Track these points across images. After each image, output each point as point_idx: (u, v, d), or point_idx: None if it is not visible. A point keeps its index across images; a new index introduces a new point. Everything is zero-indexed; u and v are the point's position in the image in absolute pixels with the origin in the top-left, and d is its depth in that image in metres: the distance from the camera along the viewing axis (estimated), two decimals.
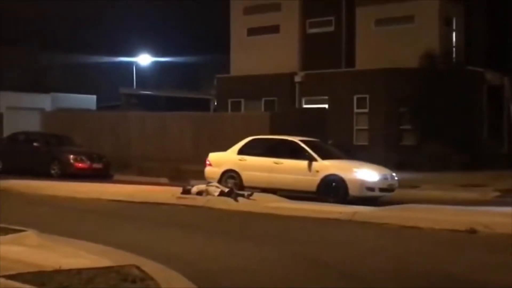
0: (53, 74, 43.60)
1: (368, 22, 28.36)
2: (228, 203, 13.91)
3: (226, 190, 14.84)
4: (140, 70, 47.08)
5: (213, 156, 17.13)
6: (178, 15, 49.30)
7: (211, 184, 15.37)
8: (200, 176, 19.40)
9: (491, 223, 10.81)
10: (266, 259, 8.37)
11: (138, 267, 6.79)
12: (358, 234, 10.75)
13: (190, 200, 14.45)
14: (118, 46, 46.00)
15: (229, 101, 30.71)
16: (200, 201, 14.29)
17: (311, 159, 15.31)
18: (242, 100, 30.33)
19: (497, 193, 16.90)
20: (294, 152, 15.81)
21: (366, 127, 27.16)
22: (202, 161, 22.97)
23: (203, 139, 24.33)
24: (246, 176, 16.08)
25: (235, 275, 7.31)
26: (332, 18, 29.51)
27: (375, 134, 26.44)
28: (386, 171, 15.49)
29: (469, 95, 25.43)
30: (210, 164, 16.98)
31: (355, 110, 27.46)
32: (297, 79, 29.07)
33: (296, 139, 16.31)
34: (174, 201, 14.46)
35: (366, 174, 14.96)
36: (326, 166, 15.17)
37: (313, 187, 15.07)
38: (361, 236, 10.57)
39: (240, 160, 16.37)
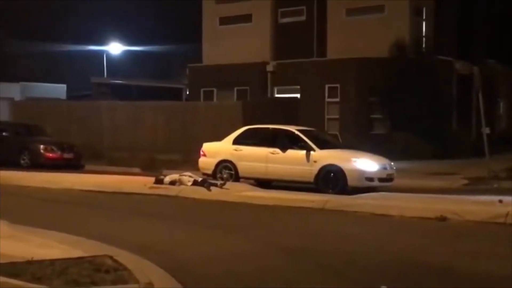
0: (22, 63, 42.95)
1: (339, 12, 28.39)
2: (201, 193, 13.90)
3: (200, 179, 14.83)
4: (111, 59, 46.60)
5: (207, 146, 16.60)
6: (150, 3, 48.88)
7: (184, 174, 15.31)
8: (173, 165, 19.37)
9: (460, 211, 10.99)
10: (239, 248, 8.40)
11: (111, 257, 6.76)
12: (330, 223, 10.84)
13: (163, 190, 14.39)
14: (89, 34, 45.45)
15: (202, 90, 30.59)
16: (173, 190, 14.25)
17: (308, 149, 14.89)
18: (215, 90, 30.24)
19: (465, 181, 17.14)
20: (291, 141, 15.37)
21: (337, 116, 27.29)
22: (175, 151, 23.01)
23: (175, 128, 24.26)
24: (242, 167, 15.66)
25: (209, 264, 7.33)
26: (303, 7, 29.50)
27: (346, 123, 26.58)
28: (385, 161, 15.14)
29: (438, 84, 25.68)
30: (204, 155, 16.45)
31: (327, 99, 27.57)
32: (269, 68, 29.07)
33: (292, 128, 15.97)
34: (146, 191, 14.40)
35: (365, 164, 14.60)
36: (324, 156, 14.76)
37: (311, 177, 14.66)
38: (332, 225, 10.65)
39: (236, 150, 15.85)
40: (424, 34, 28.42)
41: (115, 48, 46.51)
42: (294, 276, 6.92)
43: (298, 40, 29.15)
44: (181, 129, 24.11)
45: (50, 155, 21.94)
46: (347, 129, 26.08)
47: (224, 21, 31.12)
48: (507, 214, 10.49)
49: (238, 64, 28.82)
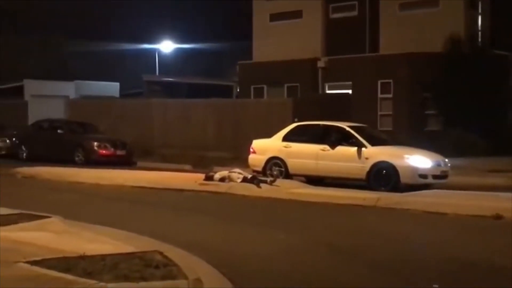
0: (77, 62, 43.92)
1: (392, 6, 28.08)
2: (251, 190, 13.89)
3: (249, 176, 14.84)
4: (162, 57, 47.18)
5: (257, 143, 16.62)
6: (201, 2, 49.25)
7: (233, 170, 15.36)
8: (222, 163, 19.46)
9: None
10: (288, 245, 8.36)
11: (161, 253, 6.82)
12: (381, 220, 10.69)
13: (212, 186, 14.47)
14: (141, 33, 46.18)
15: (252, 87, 30.66)
16: (223, 187, 14.30)
17: (360, 146, 14.71)
18: (265, 86, 30.26)
19: None
20: (342, 138, 15.20)
21: (390, 113, 26.95)
22: (225, 148, 23.12)
23: (226, 126, 24.36)
24: (292, 164, 15.60)
25: (257, 261, 7.32)
26: (355, 2, 29.26)
27: (399, 119, 26.23)
28: (439, 157, 14.84)
29: (494, 79, 25.08)
30: (254, 152, 16.49)
31: (379, 95, 27.25)
32: (320, 64, 28.90)
33: (343, 124, 15.79)
34: (197, 187, 14.50)
35: (418, 160, 14.33)
36: (376, 153, 14.56)
37: (362, 174, 14.50)
38: (384, 222, 10.50)
39: (285, 147, 15.83)
40: (479, 28, 27.81)
41: (166, 46, 47.06)
42: (343, 275, 6.85)
43: (350, 35, 28.92)
44: (231, 127, 24.19)
45: (103, 152, 22.37)
46: (400, 125, 25.75)
47: (274, 17, 31.12)
48: None
49: (288, 61, 28.78)
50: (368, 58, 28.07)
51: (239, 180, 14.64)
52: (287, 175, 15.63)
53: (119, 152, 22.64)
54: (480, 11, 28.10)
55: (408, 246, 8.43)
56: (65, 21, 43.87)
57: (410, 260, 7.53)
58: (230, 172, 15.18)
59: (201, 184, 14.76)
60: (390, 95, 27.00)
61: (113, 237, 7.89)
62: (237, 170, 15.45)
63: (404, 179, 14.15)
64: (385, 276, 6.82)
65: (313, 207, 12.10)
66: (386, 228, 9.94)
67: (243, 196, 13.49)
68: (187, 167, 20.59)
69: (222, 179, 14.84)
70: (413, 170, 14.25)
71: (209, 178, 15.06)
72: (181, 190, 14.32)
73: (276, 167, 15.84)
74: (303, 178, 15.88)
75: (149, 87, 36.40)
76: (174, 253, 6.90)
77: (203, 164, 20.01)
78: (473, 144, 22.79)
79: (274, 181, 14.58)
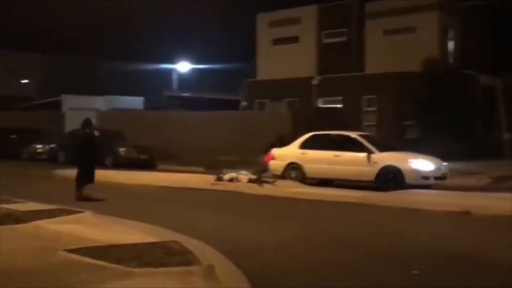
0: (107, 79, 44.03)
1: (376, 33, 28.09)
2: (255, 188, 13.92)
3: (254, 177, 14.84)
4: (181, 75, 47.31)
5: (276, 151, 16.44)
6: (212, 28, 49.40)
7: (240, 172, 15.36)
8: (231, 165, 19.43)
9: (484, 206, 10.65)
10: (292, 235, 8.32)
11: (179, 243, 6.81)
12: (368, 215, 10.66)
13: (222, 186, 14.48)
14: (162, 55, 46.32)
15: (256, 101, 30.68)
16: (231, 186, 14.33)
17: (369, 152, 14.67)
18: (267, 101, 30.28)
19: (490, 180, 16.59)
20: (353, 145, 15.08)
21: (374, 123, 26.90)
22: (233, 152, 23.07)
23: (234, 134, 24.39)
24: (308, 168, 15.49)
25: (265, 248, 7.29)
26: (345, 29, 29.30)
27: (382, 129, 26.17)
28: (438, 162, 14.76)
29: (464, 96, 25.08)
30: (273, 158, 16.29)
31: (365, 108, 27.22)
32: (314, 82, 28.93)
33: (353, 133, 15.71)
34: (209, 186, 14.52)
35: (421, 164, 14.29)
36: (384, 158, 14.49)
37: (371, 177, 14.43)
38: (370, 217, 10.48)
39: (302, 154, 15.68)
40: (451, 51, 27.82)
41: (183, 66, 47.23)
42: (343, 258, 6.83)
43: (340, 57, 28.94)
44: (239, 135, 24.21)
45: (129, 156, 22.34)
46: (383, 134, 25.66)
47: (276, 42, 31.19)
48: None
49: (287, 79, 28.81)
50: (355, 77, 28.06)
51: (245, 181, 14.66)
52: (304, 178, 15.44)
53: (142, 156, 22.62)
54: (452, 36, 28.14)
55: (392, 237, 8.40)
56: (98, 43, 44.03)
57: (394, 247, 7.50)
58: (237, 173, 15.20)
59: (213, 184, 14.78)
60: (374, 108, 26.96)
61: (139, 229, 7.89)
62: (244, 172, 15.46)
63: (409, 180, 14.06)
64: (374, 259, 6.80)
65: (308, 204, 12.08)
66: (372, 222, 9.91)
67: (248, 194, 13.50)
68: (201, 169, 20.56)
69: (230, 180, 14.88)
70: (417, 172, 14.17)
71: (219, 178, 15.09)
72: (196, 189, 14.32)
73: (294, 171, 15.69)
74: (315, 181, 15.72)
75: (169, 101, 36.46)
76: (190, 243, 6.90)
77: (214, 166, 19.93)
78: (446, 150, 22.70)
79: (274, 182, 14.57)
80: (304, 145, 15.93)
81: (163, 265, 5.78)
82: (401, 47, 26.85)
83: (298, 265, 6.57)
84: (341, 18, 29.30)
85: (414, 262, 6.75)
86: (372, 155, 14.62)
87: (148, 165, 21.86)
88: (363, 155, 14.71)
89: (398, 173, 14.14)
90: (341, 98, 27.78)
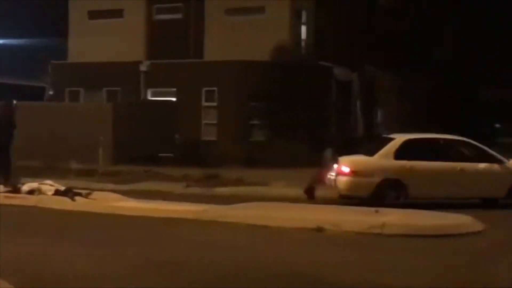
0: None
1: (217, 11, 28.52)
2: (64, 203, 13.55)
3: (62, 188, 14.44)
4: None
5: (357, 163, 14.67)
6: None
7: (44, 182, 14.84)
8: (34, 173, 18.63)
9: (338, 222, 11.38)
10: (103, 262, 8.23)
11: None
12: (203, 234, 10.87)
13: (19, 199, 13.91)
14: None
15: (67, 90, 29.70)
16: (32, 200, 13.81)
17: (498, 161, 14.59)
18: (81, 90, 29.47)
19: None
20: (476, 154, 14.74)
21: (214, 122, 27.38)
22: (38, 156, 22.07)
23: (36, 132, 23.34)
24: (418, 186, 14.10)
25: (68, 281, 7.13)
26: (180, 4, 29.46)
27: (224, 129, 26.76)
28: None
29: (318, 90, 26.45)
30: (353, 172, 14.38)
31: (204, 103, 27.60)
32: (143, 68, 28.71)
33: (465, 139, 15.24)
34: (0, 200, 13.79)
35: None
36: None
37: (504, 191, 14.42)
38: (206, 236, 10.69)
39: (404, 166, 14.33)
40: (304, 38, 29.18)
41: None
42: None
43: (174, 39, 29.05)
44: (43, 133, 23.26)
45: None
46: (225, 135, 26.27)
47: (94, 15, 30.41)
48: (383, 225, 11.00)
49: (108, 63, 28.27)
50: (192, 64, 28.33)
51: (50, 193, 14.20)
52: (406, 198, 14.15)
53: None
54: (304, 21, 29.40)
55: (233, 260, 8.66)
56: None
57: (235, 275, 7.74)
58: (40, 183, 14.68)
59: (6, 196, 14.10)
60: (214, 104, 27.43)
61: None
62: (49, 181, 14.96)
63: None
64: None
65: (133, 222, 12.00)
66: (208, 241, 10.12)
67: (55, 210, 13.11)
68: None
69: (30, 192, 14.33)
70: None
71: (15, 190, 14.45)
72: None
73: (391, 190, 14.28)
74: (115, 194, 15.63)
75: None
76: None
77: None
78: (298, 155, 23.80)
79: (90, 193, 14.29)
80: (402, 155, 14.49)
81: None
82: (247, 31, 27.55)
83: None
84: None
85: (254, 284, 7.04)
86: (503, 165, 14.60)
87: None
88: (495, 166, 14.57)
89: None
90: (175, 89, 27.93)
